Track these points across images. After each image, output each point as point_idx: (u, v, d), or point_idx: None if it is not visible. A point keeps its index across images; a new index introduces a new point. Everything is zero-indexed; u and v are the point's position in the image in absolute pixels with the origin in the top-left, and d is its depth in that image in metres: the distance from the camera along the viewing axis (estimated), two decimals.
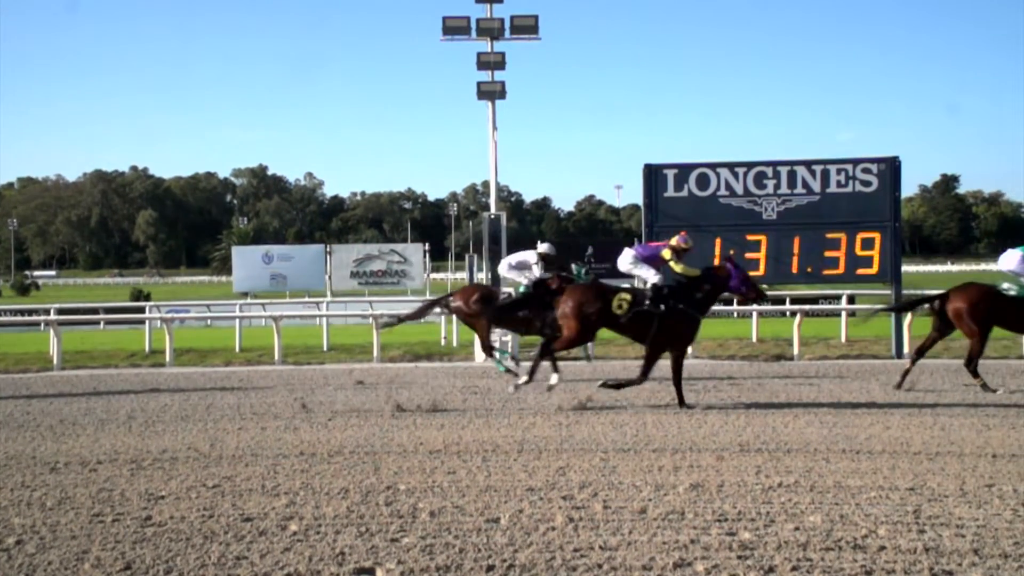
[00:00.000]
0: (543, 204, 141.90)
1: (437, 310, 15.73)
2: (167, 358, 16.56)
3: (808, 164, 16.20)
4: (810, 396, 11.16)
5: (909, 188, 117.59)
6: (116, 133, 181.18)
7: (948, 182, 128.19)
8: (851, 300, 20.77)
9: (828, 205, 15.98)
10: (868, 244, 15.81)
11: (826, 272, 16.04)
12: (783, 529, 5.54)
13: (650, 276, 10.72)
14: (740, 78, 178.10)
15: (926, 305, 12.44)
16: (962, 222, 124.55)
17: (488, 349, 13.38)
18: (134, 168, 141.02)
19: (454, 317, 19.73)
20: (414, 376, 14.17)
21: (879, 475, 6.91)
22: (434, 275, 54.24)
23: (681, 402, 10.35)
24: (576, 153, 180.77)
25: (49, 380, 14.34)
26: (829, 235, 15.83)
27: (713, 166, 16.26)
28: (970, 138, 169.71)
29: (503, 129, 28.08)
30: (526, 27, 18.28)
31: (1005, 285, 11.73)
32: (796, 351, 15.88)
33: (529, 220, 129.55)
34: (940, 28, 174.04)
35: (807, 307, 20.54)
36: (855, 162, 16.15)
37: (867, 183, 16.01)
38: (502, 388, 12.32)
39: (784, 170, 16.17)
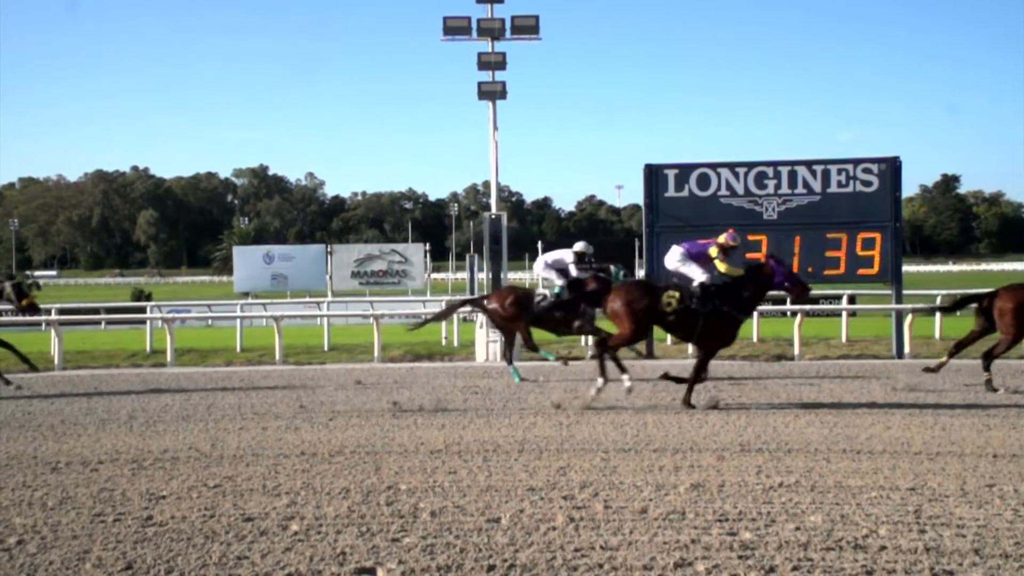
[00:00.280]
0: (544, 204, 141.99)
1: (468, 309, 15.80)
2: (168, 358, 16.57)
3: (809, 164, 16.20)
4: (811, 396, 11.16)
5: (910, 188, 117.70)
6: (117, 133, 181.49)
7: (949, 182, 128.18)
8: (852, 300, 20.77)
9: (829, 205, 15.97)
10: (869, 244, 15.81)
11: (827, 272, 16.03)
12: (784, 529, 5.54)
13: (697, 274, 10.63)
14: (741, 78, 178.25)
15: (973, 304, 12.40)
16: (963, 222, 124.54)
17: (533, 347, 13.39)
18: (135, 168, 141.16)
19: (454, 318, 19.74)
20: (415, 376, 14.18)
21: (880, 475, 6.91)
22: (435, 275, 54.24)
23: (687, 399, 10.33)
24: (577, 153, 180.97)
25: (50, 380, 14.35)
26: (830, 235, 15.83)
27: (714, 166, 16.26)
28: (971, 138, 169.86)
29: (504, 129, 28.07)
30: (527, 27, 18.29)
31: None
32: (797, 351, 15.88)
33: (530, 220, 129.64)
34: (941, 28, 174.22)
35: (808, 307, 20.54)
36: (856, 162, 16.14)
37: (868, 183, 16.00)
38: (503, 388, 12.34)
39: (785, 170, 16.17)
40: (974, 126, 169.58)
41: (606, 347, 10.70)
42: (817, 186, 16.06)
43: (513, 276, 39.26)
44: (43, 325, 17.39)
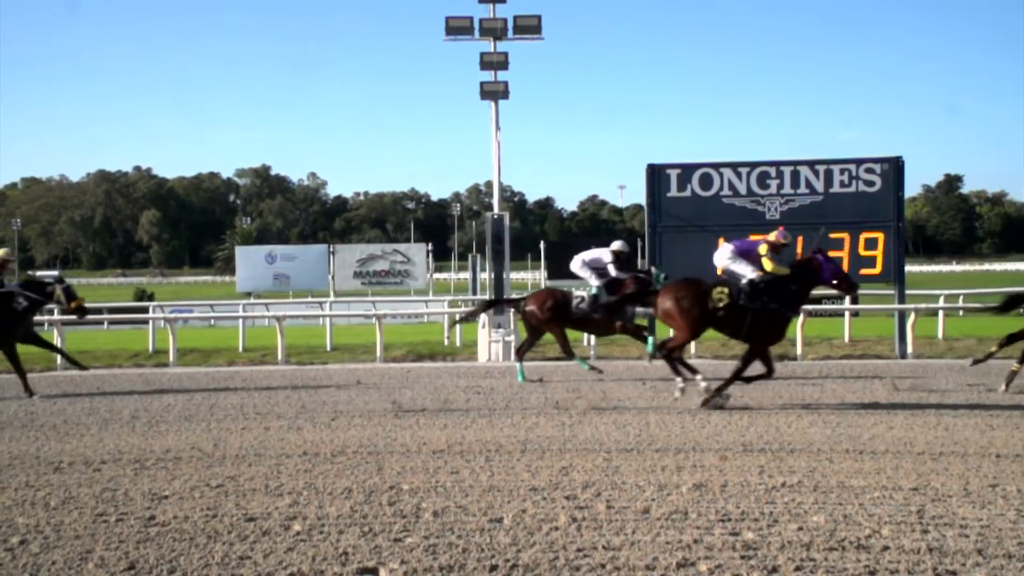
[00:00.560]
0: (546, 204, 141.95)
1: (501, 310, 15.81)
2: (171, 358, 16.59)
3: (811, 164, 16.18)
4: (813, 396, 11.15)
5: (912, 188, 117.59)
6: (119, 133, 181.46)
7: (951, 182, 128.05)
8: (854, 300, 20.74)
9: (831, 205, 15.95)
10: (871, 244, 15.79)
11: None
12: (786, 529, 5.54)
13: (747, 272, 10.56)
14: (743, 79, 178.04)
15: None
16: (965, 222, 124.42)
17: (569, 353, 13.36)
18: (137, 168, 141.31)
19: (457, 317, 19.74)
20: (417, 376, 14.18)
21: (883, 475, 6.91)
22: (437, 275, 54.22)
23: (721, 388, 10.33)
24: (579, 153, 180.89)
25: (53, 380, 14.36)
26: (832, 235, 15.81)
27: (716, 166, 16.24)
28: (973, 138, 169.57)
29: (506, 129, 28.03)
30: (529, 27, 18.29)
31: None
32: (799, 351, 15.86)
33: (532, 220, 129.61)
34: (943, 28, 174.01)
35: (810, 307, 20.52)
36: (858, 162, 16.13)
37: (870, 183, 15.99)
38: (506, 388, 12.34)
39: (787, 170, 16.15)
40: (977, 126, 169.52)
41: (667, 353, 10.59)
42: (820, 186, 16.04)
43: (515, 276, 39.26)
44: (45, 325, 17.37)
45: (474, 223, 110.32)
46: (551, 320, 13.16)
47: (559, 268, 24.75)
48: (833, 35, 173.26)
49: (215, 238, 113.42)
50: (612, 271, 13.23)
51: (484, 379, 13.52)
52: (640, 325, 13.58)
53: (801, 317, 16.19)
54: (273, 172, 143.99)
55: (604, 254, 13.41)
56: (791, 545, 5.24)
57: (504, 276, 17.24)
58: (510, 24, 18.15)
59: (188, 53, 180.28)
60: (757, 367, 10.59)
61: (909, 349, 15.80)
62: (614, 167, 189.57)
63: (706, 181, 16.19)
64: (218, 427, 9.54)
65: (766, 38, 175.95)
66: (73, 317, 13.99)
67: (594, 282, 13.30)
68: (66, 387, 13.36)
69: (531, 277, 48.03)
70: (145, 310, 26.01)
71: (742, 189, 16.11)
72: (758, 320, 10.34)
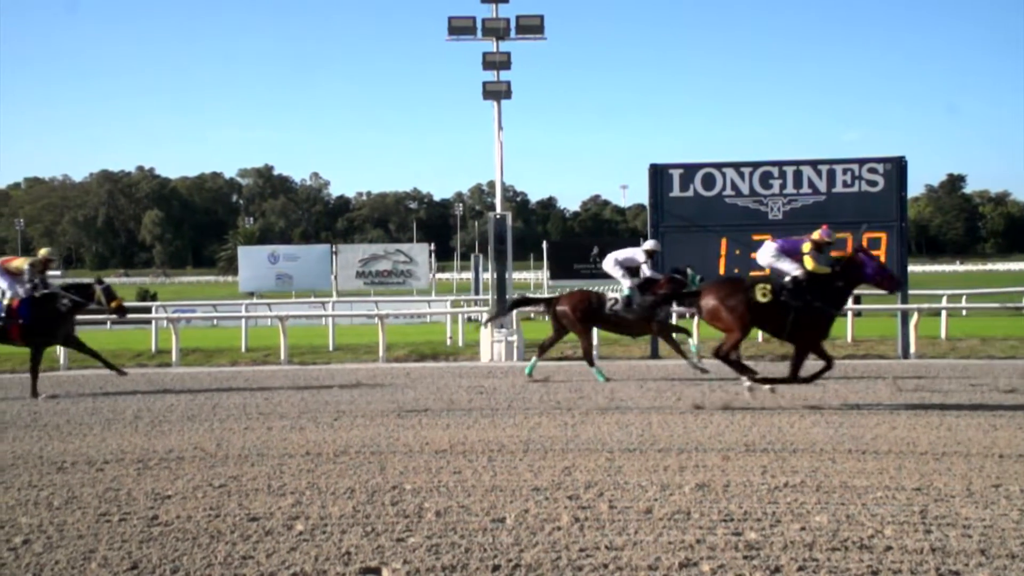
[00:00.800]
0: (549, 204, 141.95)
1: (529, 308, 15.80)
2: (173, 358, 16.61)
3: (814, 164, 16.18)
4: (816, 396, 11.13)
5: (915, 188, 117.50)
6: (122, 133, 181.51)
7: (954, 182, 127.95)
8: (857, 300, 20.72)
9: (834, 205, 15.96)
10: (874, 244, 15.77)
11: None
12: (789, 529, 5.54)
13: (791, 269, 10.53)
14: (745, 79, 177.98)
15: None
16: (968, 222, 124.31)
17: (590, 358, 13.33)
18: (140, 168, 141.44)
19: (459, 317, 19.76)
20: (420, 376, 14.18)
21: (885, 475, 6.90)
22: (440, 275, 54.22)
23: (773, 381, 10.35)
24: (581, 153, 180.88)
25: (56, 380, 14.38)
26: (835, 235, 15.79)
27: (719, 166, 16.25)
28: (976, 138, 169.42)
29: (508, 129, 28.08)
30: (532, 27, 18.28)
31: None
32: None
33: (535, 220, 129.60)
34: (947, 29, 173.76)
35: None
36: (861, 162, 16.13)
37: (873, 183, 15.99)
38: (508, 388, 12.34)
39: (790, 170, 16.15)
40: (980, 126, 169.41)
41: (724, 356, 10.46)
42: (822, 186, 16.04)
43: (518, 276, 39.25)
44: None
45: (476, 223, 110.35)
46: (582, 322, 13.14)
47: (562, 268, 24.81)
48: (835, 35, 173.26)
49: (218, 238, 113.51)
50: (646, 271, 13.17)
51: (487, 379, 13.52)
52: (675, 326, 13.47)
53: None
54: (276, 172, 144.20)
55: (638, 253, 13.32)
56: (794, 545, 5.24)
57: (507, 276, 17.23)
58: (512, 24, 18.15)
59: (191, 53, 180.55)
60: (806, 365, 10.52)
61: (912, 349, 15.78)
62: (617, 167, 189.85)
63: (709, 181, 16.19)
64: (221, 427, 9.55)
65: (768, 38, 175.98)
66: (76, 317, 13.96)
67: (625, 282, 13.20)
68: (69, 387, 13.38)
69: (533, 277, 48.01)
70: (148, 310, 26.04)
71: (745, 189, 16.11)
72: (801, 318, 10.26)
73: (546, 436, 8.69)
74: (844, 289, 10.60)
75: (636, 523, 5.71)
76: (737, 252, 15.91)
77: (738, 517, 5.80)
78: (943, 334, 18.20)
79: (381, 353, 16.58)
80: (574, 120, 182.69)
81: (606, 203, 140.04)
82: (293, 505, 6.26)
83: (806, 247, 10.56)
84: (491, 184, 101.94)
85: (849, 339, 18.22)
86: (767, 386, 10.49)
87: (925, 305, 17.55)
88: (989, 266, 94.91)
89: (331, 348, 18.67)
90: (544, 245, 28.44)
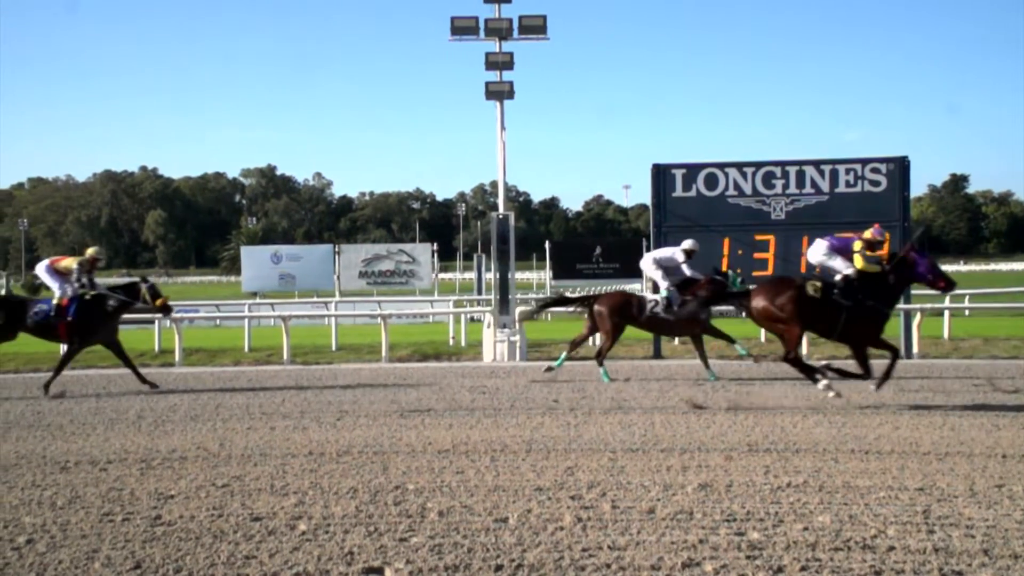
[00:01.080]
0: (551, 204, 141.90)
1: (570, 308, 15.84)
2: (176, 358, 16.62)
3: (817, 164, 16.17)
4: (819, 396, 11.12)
5: (918, 188, 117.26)
6: (125, 133, 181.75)
7: (957, 182, 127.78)
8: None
9: (837, 205, 15.94)
10: (876, 244, 15.74)
11: None
12: (792, 529, 5.53)
13: (842, 268, 10.43)
14: (746, 79, 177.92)
15: None
16: (971, 222, 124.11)
17: (602, 357, 13.28)
18: (143, 168, 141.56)
19: (462, 317, 19.76)
20: (423, 376, 14.18)
21: (888, 475, 6.90)
22: (442, 275, 54.22)
23: (847, 374, 10.28)
24: (584, 153, 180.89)
25: (59, 380, 14.38)
26: (838, 235, 15.76)
27: (721, 166, 16.24)
28: (979, 138, 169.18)
29: (511, 129, 28.07)
30: (534, 27, 18.28)
31: None
32: (805, 351, 15.83)
33: (537, 220, 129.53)
34: (949, 28, 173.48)
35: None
36: (864, 162, 16.11)
37: (876, 183, 15.97)
38: (511, 388, 12.34)
39: (793, 170, 16.14)
40: (983, 126, 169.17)
41: (792, 359, 10.37)
42: (825, 186, 16.03)
43: (520, 276, 39.25)
44: None
45: (479, 223, 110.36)
46: (617, 324, 13.13)
47: (564, 268, 24.79)
48: (836, 35, 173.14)
49: (221, 238, 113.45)
50: (686, 270, 13.09)
51: (489, 379, 13.53)
52: (716, 328, 13.41)
53: None
54: (279, 172, 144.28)
55: (677, 253, 13.22)
56: (796, 545, 5.24)
57: (509, 276, 17.23)
58: (515, 24, 18.15)
59: (194, 53, 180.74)
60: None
61: (915, 349, 15.76)
62: (619, 167, 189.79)
63: (711, 181, 16.18)
64: (224, 427, 9.55)
65: (769, 39, 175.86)
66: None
67: (664, 283, 13.10)
68: (72, 387, 13.38)
69: (536, 277, 47.94)
70: (151, 309, 26.01)
71: (747, 189, 16.10)
72: (854, 318, 10.16)
73: (549, 436, 8.69)
74: (896, 288, 10.49)
75: (639, 523, 5.71)
76: (740, 252, 15.90)
77: (741, 517, 5.80)
78: (946, 334, 18.18)
79: (384, 353, 16.59)
80: (577, 120, 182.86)
81: (609, 203, 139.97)
82: (296, 505, 6.27)
83: (857, 245, 10.46)
84: (494, 184, 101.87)
85: None
86: (825, 385, 10.32)
87: (928, 305, 17.51)
88: (992, 266, 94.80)
89: (334, 348, 18.68)
90: (547, 245, 28.37)
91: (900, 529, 5.52)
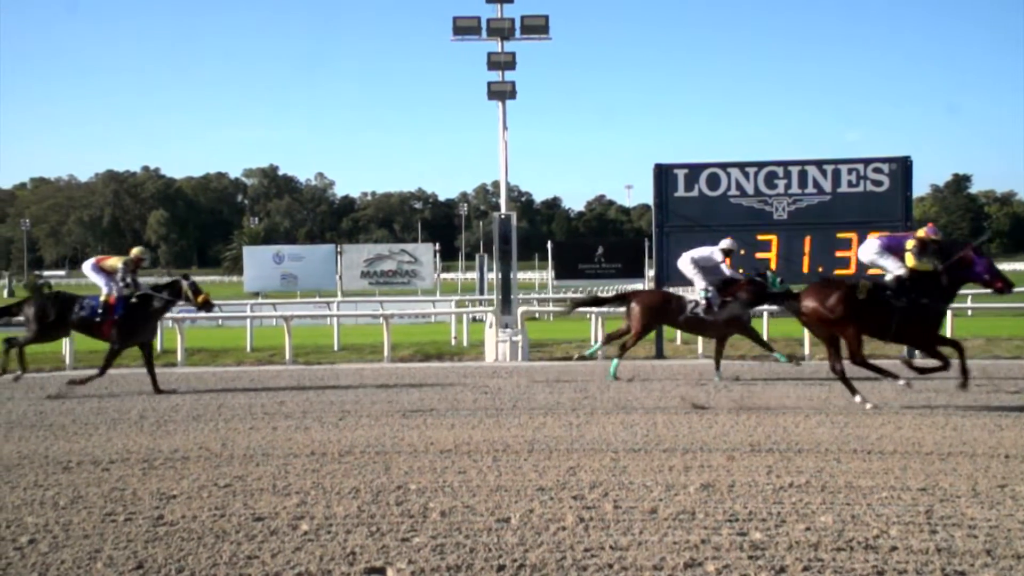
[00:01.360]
0: (553, 204, 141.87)
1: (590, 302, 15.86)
2: (178, 358, 16.63)
3: (819, 164, 16.15)
4: (821, 396, 11.12)
5: (920, 188, 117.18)
6: (127, 133, 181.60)
7: (960, 182, 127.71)
8: None
9: (839, 205, 15.92)
10: None
11: (837, 272, 15.95)
12: (794, 529, 5.53)
13: (894, 268, 10.33)
14: (749, 79, 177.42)
15: None
16: (974, 222, 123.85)
17: (622, 353, 13.25)
18: (146, 168, 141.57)
19: (464, 317, 19.75)
20: (425, 376, 14.19)
21: (891, 475, 6.89)
22: (444, 275, 54.24)
23: (922, 369, 10.21)
24: (586, 153, 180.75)
25: (62, 380, 14.38)
26: (840, 235, 15.77)
27: (724, 166, 16.22)
28: (981, 138, 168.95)
29: (513, 129, 28.07)
30: (536, 27, 18.28)
31: None
32: (807, 351, 15.83)
33: (539, 220, 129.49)
34: (951, 28, 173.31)
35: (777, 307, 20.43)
36: (866, 162, 16.09)
37: (878, 183, 15.95)
38: (513, 388, 12.34)
39: (795, 170, 16.12)
40: (985, 126, 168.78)
41: (859, 362, 10.29)
42: (827, 186, 16.01)
43: (523, 276, 39.26)
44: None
45: (481, 223, 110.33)
46: (648, 323, 13.13)
47: (566, 268, 24.78)
48: (839, 35, 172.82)
49: (223, 238, 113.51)
50: (726, 270, 13.02)
51: (491, 379, 13.52)
52: (760, 338, 13.36)
53: None
54: (281, 172, 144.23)
55: (715, 253, 13.12)
56: (799, 545, 5.24)
57: (511, 276, 17.23)
58: (517, 24, 18.16)
59: (195, 53, 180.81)
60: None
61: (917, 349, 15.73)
62: (621, 167, 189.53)
63: (713, 181, 16.17)
64: (226, 427, 9.56)
65: (772, 39, 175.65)
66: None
67: (700, 283, 13.02)
68: (74, 387, 13.38)
69: (538, 277, 47.96)
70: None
71: (749, 189, 16.09)
72: (908, 317, 10.06)
73: (551, 436, 8.69)
74: (950, 287, 10.35)
75: (641, 523, 5.71)
76: (742, 252, 15.88)
77: (743, 517, 5.80)
78: (948, 334, 18.14)
79: (386, 353, 16.59)
80: (579, 120, 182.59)
81: (611, 203, 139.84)
82: (298, 505, 6.27)
83: (910, 244, 10.34)
84: (496, 184, 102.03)
85: None
86: (901, 382, 10.34)
87: None
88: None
89: (336, 348, 18.69)
90: (549, 245, 28.39)
91: (903, 529, 5.52)
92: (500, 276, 17.33)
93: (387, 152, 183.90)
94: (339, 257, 26.61)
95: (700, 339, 16.04)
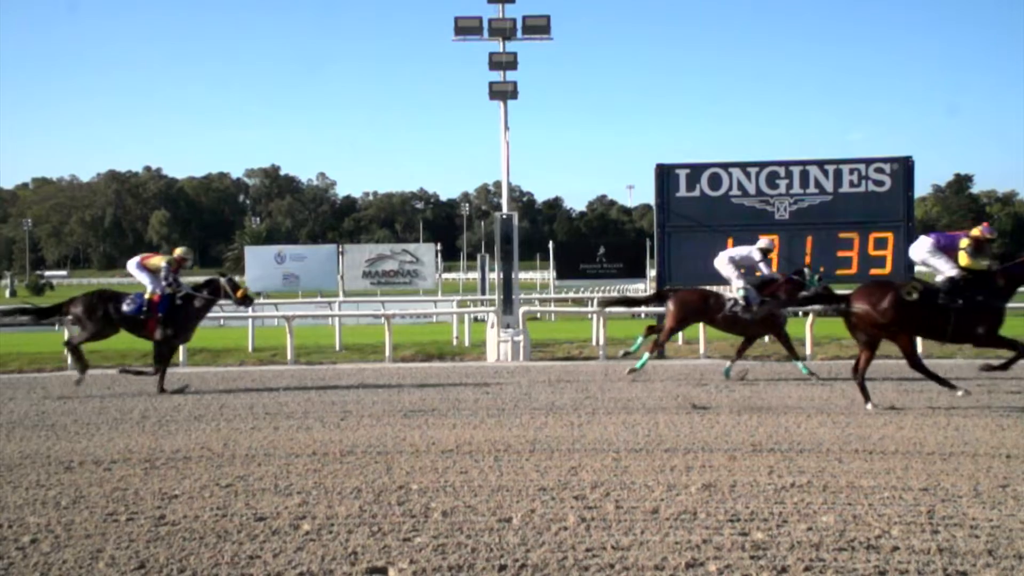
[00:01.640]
0: (555, 204, 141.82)
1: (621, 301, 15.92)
2: (180, 358, 16.62)
3: (821, 164, 16.16)
4: (823, 396, 11.13)
5: (922, 188, 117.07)
6: (129, 134, 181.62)
7: (961, 182, 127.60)
8: None
9: (841, 205, 15.94)
10: (881, 244, 15.76)
11: (839, 272, 15.98)
12: (796, 529, 5.53)
13: (946, 269, 10.19)
14: (751, 79, 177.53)
15: None
16: (976, 222, 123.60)
17: (656, 350, 13.32)
18: (147, 168, 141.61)
19: (465, 317, 19.74)
20: (426, 376, 14.19)
21: (892, 475, 6.89)
22: (446, 275, 54.25)
23: (998, 367, 10.12)
24: (588, 153, 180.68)
25: (63, 380, 14.40)
26: (842, 235, 15.79)
27: (725, 166, 16.23)
28: (983, 138, 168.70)
29: (515, 129, 28.06)
30: (538, 27, 18.28)
31: None
32: (809, 351, 15.82)
33: (541, 220, 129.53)
34: (952, 28, 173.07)
35: (819, 307, 20.44)
36: (868, 162, 16.10)
37: (880, 183, 15.96)
38: (514, 388, 12.33)
39: (796, 170, 16.14)
40: (986, 126, 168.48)
41: (915, 365, 10.28)
42: (829, 186, 16.02)
43: (524, 276, 39.25)
44: (56, 325, 17.42)
45: (483, 223, 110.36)
46: (683, 320, 13.18)
47: (568, 268, 24.83)
48: (841, 35, 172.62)
49: (225, 238, 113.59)
50: (764, 269, 13.02)
51: (493, 379, 13.52)
52: (788, 336, 13.35)
53: (811, 318, 16.17)
54: (282, 172, 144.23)
55: (754, 252, 13.12)
56: (800, 545, 5.23)
57: (513, 276, 17.24)
58: (519, 24, 18.15)
59: (197, 53, 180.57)
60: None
61: (919, 349, 15.72)
62: (623, 167, 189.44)
63: (715, 181, 16.18)
64: (228, 427, 9.57)
65: (773, 39, 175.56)
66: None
67: (738, 282, 12.99)
68: (76, 386, 13.39)
69: (540, 277, 47.98)
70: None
71: (751, 189, 16.10)
72: (966, 317, 9.94)
73: (552, 436, 8.70)
74: (1008, 286, 10.19)
75: (642, 523, 5.71)
76: None
77: (744, 517, 5.80)
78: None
79: (387, 353, 16.59)
80: (580, 120, 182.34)
81: (612, 203, 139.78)
82: (300, 505, 6.27)
83: (963, 243, 10.22)
84: (497, 184, 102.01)
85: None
86: (960, 392, 10.28)
87: None
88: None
89: (337, 348, 18.68)
90: (550, 245, 28.43)
91: (904, 529, 5.52)
92: (502, 276, 17.33)
93: (389, 152, 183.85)
94: (341, 257, 26.63)
95: (701, 340, 16.03)
